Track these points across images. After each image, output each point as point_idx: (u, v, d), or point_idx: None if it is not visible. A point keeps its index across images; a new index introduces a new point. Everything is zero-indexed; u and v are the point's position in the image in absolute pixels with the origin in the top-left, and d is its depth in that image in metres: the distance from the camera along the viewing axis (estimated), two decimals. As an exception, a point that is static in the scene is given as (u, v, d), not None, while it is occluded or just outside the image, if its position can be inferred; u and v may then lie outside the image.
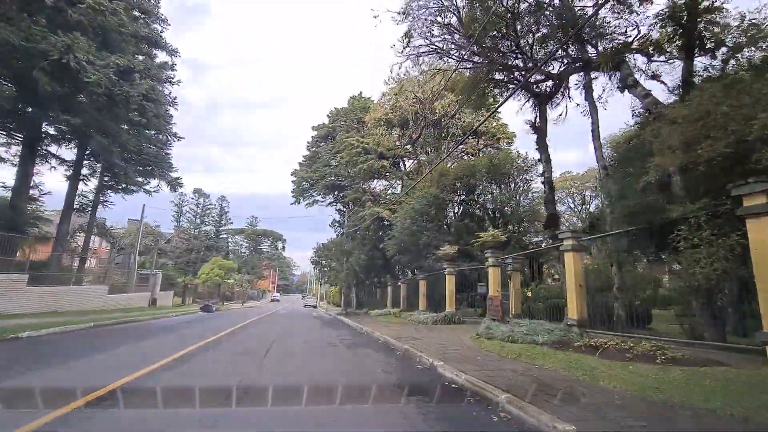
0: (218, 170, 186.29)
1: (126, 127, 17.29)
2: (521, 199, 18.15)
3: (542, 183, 10.56)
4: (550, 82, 11.90)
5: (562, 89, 11.94)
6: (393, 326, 14.69)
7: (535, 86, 11.74)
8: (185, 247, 68.01)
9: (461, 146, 24.83)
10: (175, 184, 24.00)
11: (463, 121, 23.83)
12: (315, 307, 46.22)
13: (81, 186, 21.77)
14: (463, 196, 18.27)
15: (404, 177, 25.05)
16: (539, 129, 10.84)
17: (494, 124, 27.48)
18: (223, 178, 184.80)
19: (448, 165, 20.77)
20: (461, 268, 15.92)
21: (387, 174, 26.68)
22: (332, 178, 35.11)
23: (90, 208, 22.73)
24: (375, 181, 30.38)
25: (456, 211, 19.32)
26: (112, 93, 12.79)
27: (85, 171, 23.01)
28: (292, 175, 40.30)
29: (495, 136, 25.16)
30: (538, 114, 11.30)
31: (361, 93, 40.58)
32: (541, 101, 11.27)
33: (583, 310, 8.20)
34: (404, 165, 30.74)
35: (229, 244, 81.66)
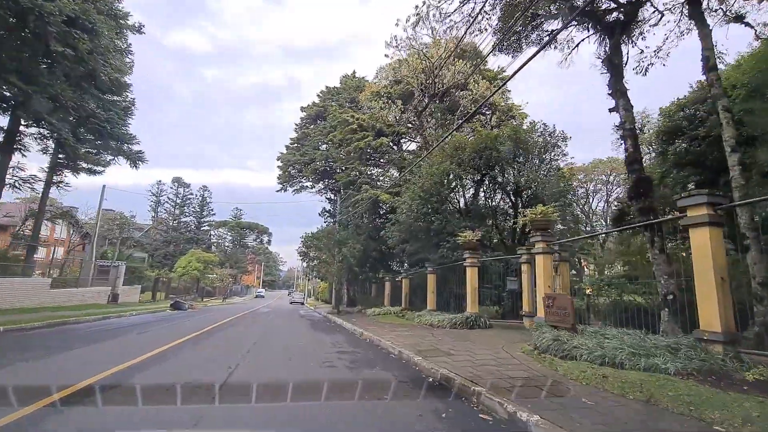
0: (206, 165, 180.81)
1: (65, 80, 13.69)
2: (549, 178, 15.20)
3: (621, 138, 7.60)
4: (616, 15, 8.92)
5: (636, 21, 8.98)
6: (401, 331, 11.62)
7: (602, 16, 8.72)
8: (163, 239, 63.80)
9: (468, 124, 21.77)
10: (135, 159, 20.35)
11: (474, 93, 20.82)
12: (302, 303, 42.89)
13: (28, 163, 18.04)
14: (481, 174, 15.21)
15: (407, 155, 21.91)
16: (615, 65, 7.82)
17: (503, 104, 24.55)
18: (211, 174, 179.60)
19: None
20: (486, 259, 12.90)
21: (385, 155, 23.42)
22: (322, 162, 31.79)
23: (29, 184, 18.94)
24: (372, 168, 27.17)
25: (474, 191, 16.27)
26: (18, 6, 9.27)
27: (32, 143, 19.33)
28: (278, 159, 36.81)
29: (509, 113, 22.21)
30: (610, 45, 8.26)
31: (354, 72, 37.26)
32: (615, 31, 8.24)
33: (730, 318, 5.22)
34: (400, 147, 27.60)
35: (212, 236, 77.42)
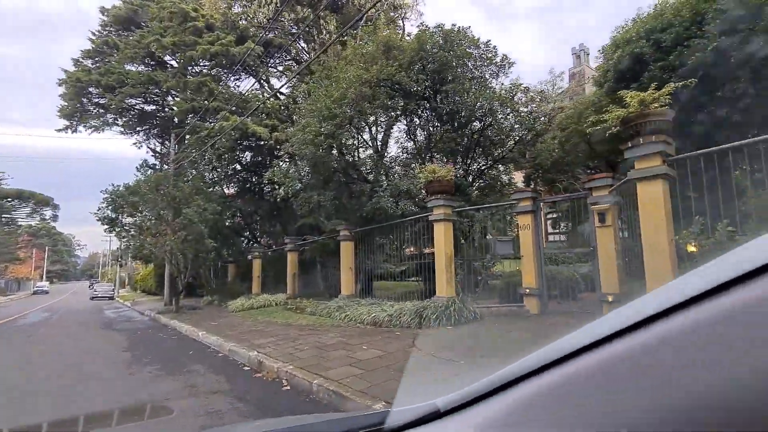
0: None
1: None
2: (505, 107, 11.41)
3: None
4: None
5: None
6: (344, 344, 5.91)
7: None
8: None
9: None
10: None
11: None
12: (111, 298, 30.71)
13: None
14: (428, 90, 10.18)
15: (286, 73, 14.90)
16: None
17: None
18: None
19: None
20: (467, 209, 8.14)
21: (254, 70, 15.62)
22: (141, 89, 21.19)
23: None
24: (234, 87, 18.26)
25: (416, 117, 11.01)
26: None
27: None
28: (60, 84, 23.63)
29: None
30: None
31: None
32: None
33: None
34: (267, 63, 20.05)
35: (-57, 208, 50.53)
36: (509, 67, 12.64)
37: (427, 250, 8.82)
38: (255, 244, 18.20)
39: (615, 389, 0.47)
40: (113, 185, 13.95)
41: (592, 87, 14.79)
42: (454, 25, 10.63)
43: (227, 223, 18.05)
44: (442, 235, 7.49)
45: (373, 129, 11.36)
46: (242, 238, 20.60)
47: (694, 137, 9.16)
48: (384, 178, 9.09)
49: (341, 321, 8.11)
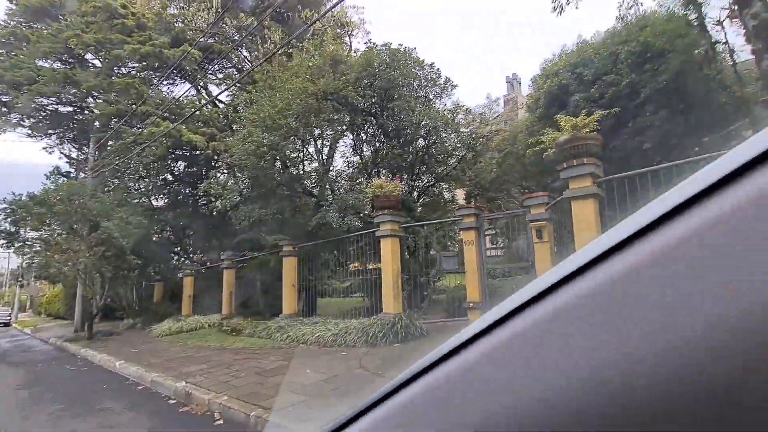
0: None
1: None
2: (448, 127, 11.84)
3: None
4: None
5: None
6: (312, 373, 5.52)
7: None
8: None
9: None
10: None
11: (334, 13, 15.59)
12: (8, 324, 26.55)
13: None
14: (374, 106, 10.22)
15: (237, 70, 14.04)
16: None
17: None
18: None
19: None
20: (413, 224, 8.14)
21: (191, 76, 14.62)
22: (50, 91, 18.92)
23: None
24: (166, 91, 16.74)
25: (362, 133, 10.92)
26: None
27: None
28: (-51, 76, 20.31)
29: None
30: None
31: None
32: None
33: None
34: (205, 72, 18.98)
35: None
36: (452, 89, 13.17)
37: (372, 266, 8.71)
38: (187, 261, 16.81)
39: (475, 390, 0.46)
40: (14, 194, 12.16)
41: (524, 113, 15.98)
42: (400, 44, 10.88)
43: (155, 238, 16.50)
44: (389, 251, 7.43)
45: (319, 142, 11.16)
46: (173, 255, 18.94)
47: (612, 161, 10.19)
48: (330, 192, 8.90)
49: (283, 342, 7.63)
